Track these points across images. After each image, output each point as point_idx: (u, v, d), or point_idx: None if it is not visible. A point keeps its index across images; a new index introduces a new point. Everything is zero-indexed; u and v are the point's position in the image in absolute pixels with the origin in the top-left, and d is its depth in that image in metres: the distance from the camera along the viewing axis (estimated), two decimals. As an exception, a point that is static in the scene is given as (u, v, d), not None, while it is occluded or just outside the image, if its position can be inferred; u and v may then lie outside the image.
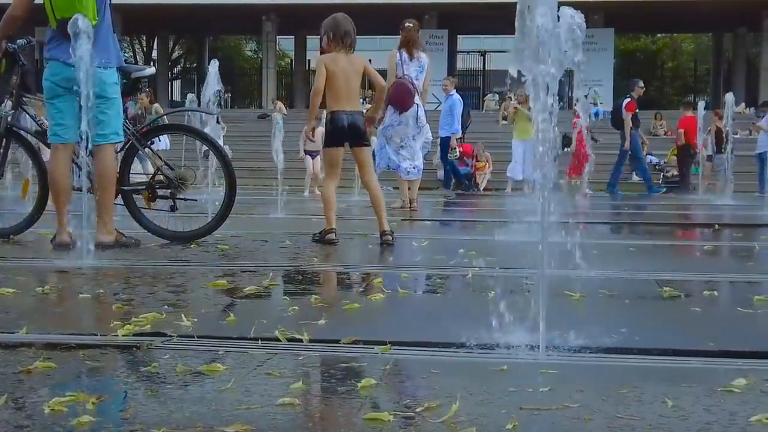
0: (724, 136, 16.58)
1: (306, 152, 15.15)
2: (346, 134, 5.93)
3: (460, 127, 15.21)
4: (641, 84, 16.34)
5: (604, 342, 2.60)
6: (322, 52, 6.10)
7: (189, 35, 41.23)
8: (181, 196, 5.70)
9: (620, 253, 5.60)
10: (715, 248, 6.08)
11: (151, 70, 6.35)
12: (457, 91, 14.58)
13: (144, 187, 5.74)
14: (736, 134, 18.72)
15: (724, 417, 1.93)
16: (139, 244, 5.36)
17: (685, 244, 6.88)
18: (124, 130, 5.64)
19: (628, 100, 15.89)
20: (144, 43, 43.11)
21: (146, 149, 5.77)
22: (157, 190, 5.73)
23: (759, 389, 2.16)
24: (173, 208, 5.71)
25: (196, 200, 5.90)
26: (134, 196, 5.74)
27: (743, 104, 26.93)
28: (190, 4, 29.85)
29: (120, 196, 5.64)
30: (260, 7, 30.15)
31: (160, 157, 5.97)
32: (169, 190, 5.69)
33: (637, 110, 16.22)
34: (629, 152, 15.94)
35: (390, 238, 5.78)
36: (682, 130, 17.35)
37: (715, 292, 3.76)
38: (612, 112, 16.81)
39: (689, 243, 6.91)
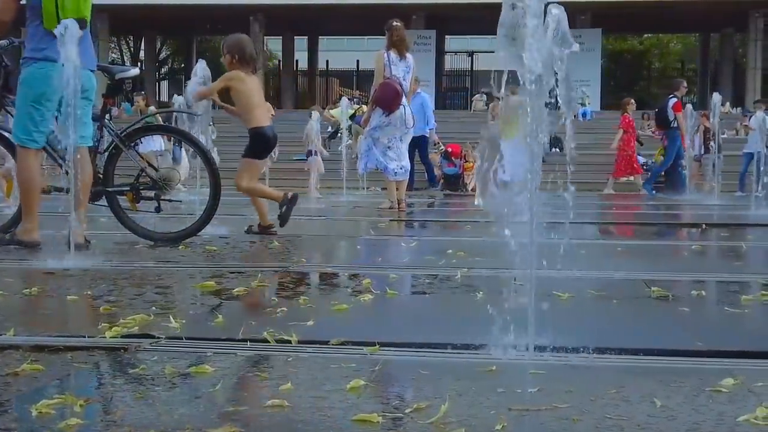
0: (711, 135, 16.60)
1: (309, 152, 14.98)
2: (271, 148, 6.39)
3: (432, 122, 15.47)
4: (685, 84, 16.26)
5: (592, 342, 2.59)
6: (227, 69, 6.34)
7: (176, 36, 41.08)
8: (166, 197, 5.69)
9: (608, 252, 5.61)
10: (703, 248, 6.10)
11: (135, 70, 6.32)
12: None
13: (128, 188, 5.71)
14: (723, 134, 18.78)
15: (713, 417, 1.94)
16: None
17: (673, 243, 6.90)
18: (108, 130, 5.63)
19: (675, 100, 15.57)
20: (131, 44, 42.94)
21: (131, 150, 5.74)
22: (142, 191, 5.70)
23: (747, 389, 2.16)
24: (158, 210, 5.69)
25: (181, 201, 5.89)
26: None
27: (728, 104, 27.05)
28: (177, 5, 29.72)
29: (104, 197, 5.61)
30: (248, 8, 30.08)
31: (143, 159, 5.94)
32: (154, 192, 5.66)
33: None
34: (681, 147, 15.72)
35: (275, 230, 6.11)
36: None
37: (703, 292, 3.77)
38: (657, 112, 16.46)
39: (677, 243, 6.93)
